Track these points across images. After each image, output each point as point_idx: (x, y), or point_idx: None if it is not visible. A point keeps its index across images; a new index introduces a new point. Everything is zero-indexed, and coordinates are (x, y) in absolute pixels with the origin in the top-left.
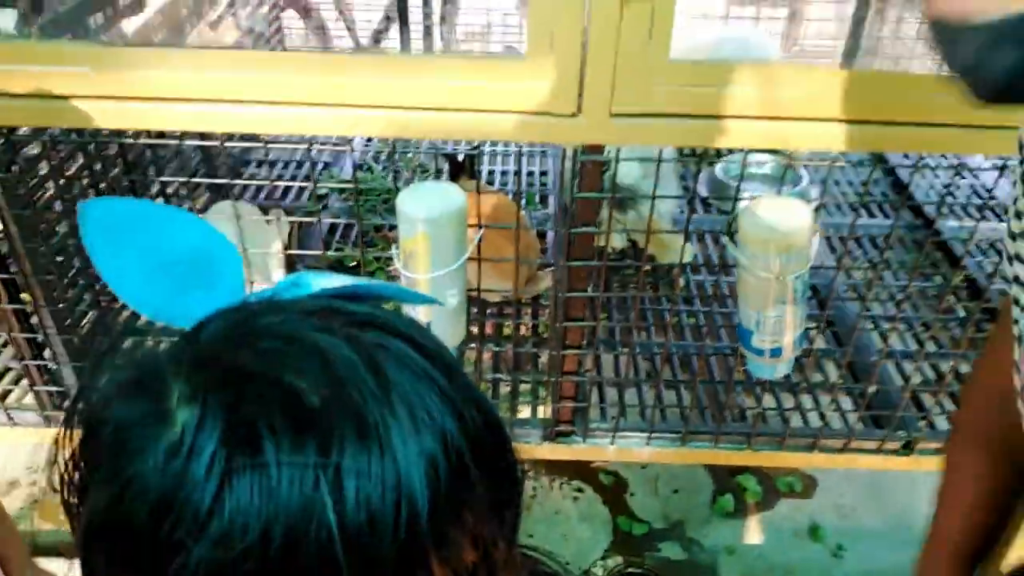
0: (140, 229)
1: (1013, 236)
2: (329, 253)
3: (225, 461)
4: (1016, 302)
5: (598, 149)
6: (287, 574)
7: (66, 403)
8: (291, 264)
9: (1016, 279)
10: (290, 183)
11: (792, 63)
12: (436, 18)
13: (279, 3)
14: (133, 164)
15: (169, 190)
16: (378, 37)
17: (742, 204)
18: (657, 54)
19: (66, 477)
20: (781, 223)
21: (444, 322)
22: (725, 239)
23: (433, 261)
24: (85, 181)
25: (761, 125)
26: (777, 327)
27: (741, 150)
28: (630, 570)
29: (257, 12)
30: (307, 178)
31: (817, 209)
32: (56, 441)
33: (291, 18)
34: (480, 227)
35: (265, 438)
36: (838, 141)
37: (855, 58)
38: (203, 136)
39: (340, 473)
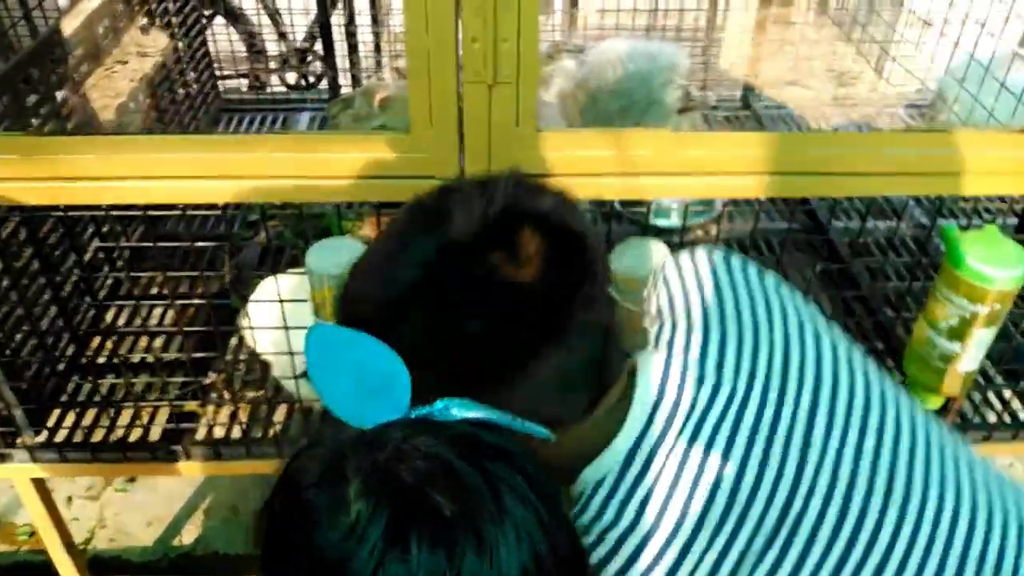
0: (344, 350)
1: None
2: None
3: (382, 550)
4: None
5: None
6: None
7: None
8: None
9: None
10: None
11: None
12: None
13: (204, 12)
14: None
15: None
16: (304, 56)
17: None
18: (525, 126)
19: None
20: (646, 264)
21: None
22: None
23: None
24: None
25: (620, 180)
26: None
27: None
28: None
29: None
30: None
31: (719, 219)
32: (262, 518)
33: (220, 24)
34: None
35: (412, 539)
36: (683, 190)
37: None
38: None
39: (460, 573)
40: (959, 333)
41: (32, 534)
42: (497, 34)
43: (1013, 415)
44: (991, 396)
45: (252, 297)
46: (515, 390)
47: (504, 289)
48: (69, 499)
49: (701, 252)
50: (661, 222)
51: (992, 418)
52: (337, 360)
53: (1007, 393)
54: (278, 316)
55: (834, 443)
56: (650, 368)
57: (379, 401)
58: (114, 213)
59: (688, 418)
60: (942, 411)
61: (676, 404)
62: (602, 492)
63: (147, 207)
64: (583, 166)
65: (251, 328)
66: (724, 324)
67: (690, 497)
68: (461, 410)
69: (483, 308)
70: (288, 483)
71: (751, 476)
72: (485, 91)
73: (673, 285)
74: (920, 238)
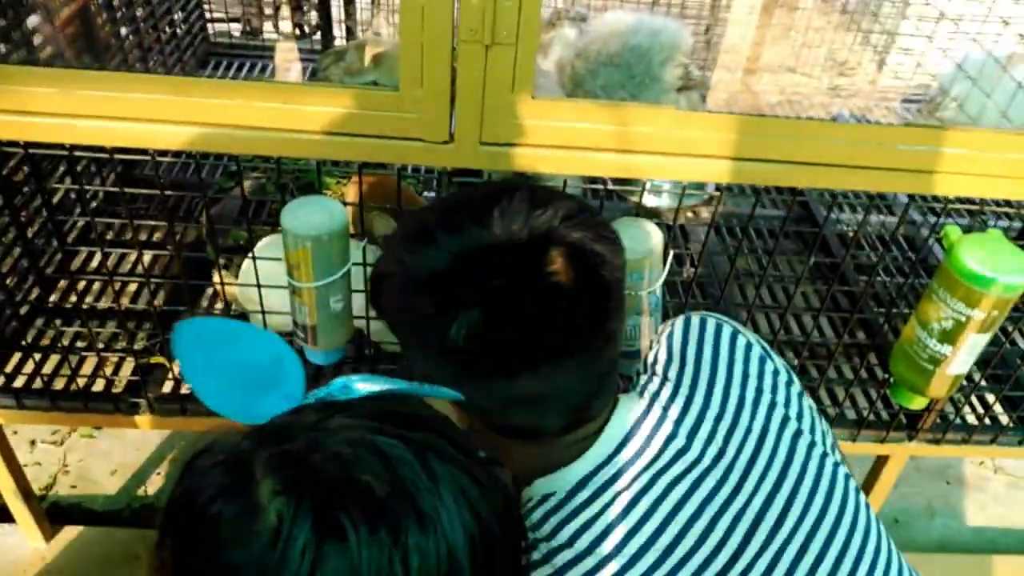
0: (222, 343)
1: None
2: (240, 231)
3: (316, 547)
4: None
5: (475, 173)
6: None
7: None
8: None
9: None
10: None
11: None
12: None
13: None
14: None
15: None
16: (299, 3)
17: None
18: (521, 92)
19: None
20: (635, 244)
21: (330, 326)
22: None
23: (316, 272)
24: None
25: (617, 157)
26: (633, 334)
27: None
28: None
29: None
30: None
31: (710, 201)
32: (157, 542)
33: None
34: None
35: (348, 527)
36: (685, 173)
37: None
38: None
39: (407, 551)
40: (951, 336)
41: None
42: None
43: (994, 419)
44: (973, 399)
45: (257, 251)
46: (497, 392)
47: (525, 297)
48: (32, 443)
49: (710, 321)
50: (651, 201)
51: (972, 420)
52: (216, 355)
53: (990, 397)
54: (278, 273)
55: (779, 538)
56: (628, 411)
57: (270, 392)
58: (78, 154)
59: (648, 467)
60: (924, 411)
61: (640, 451)
62: (547, 505)
63: (113, 150)
64: (579, 139)
65: (243, 284)
66: (710, 396)
67: (628, 538)
68: (363, 384)
69: (500, 308)
70: (186, 502)
71: (692, 540)
72: (481, 52)
73: (674, 344)
74: (911, 236)
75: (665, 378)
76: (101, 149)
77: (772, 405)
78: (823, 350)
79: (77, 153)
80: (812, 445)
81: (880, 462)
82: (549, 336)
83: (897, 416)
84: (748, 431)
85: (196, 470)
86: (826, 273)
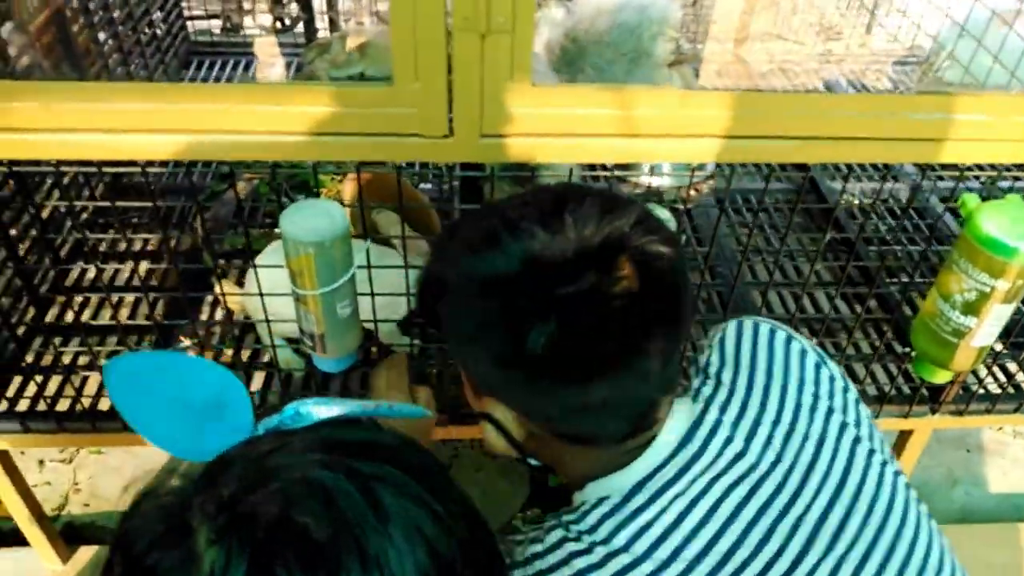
0: (159, 378)
1: None
2: (236, 237)
3: None
4: None
5: (477, 165)
6: None
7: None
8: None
9: None
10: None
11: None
12: None
13: None
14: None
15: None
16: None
17: None
18: (519, 80)
19: None
20: None
21: (338, 332)
22: None
23: (320, 279)
24: None
25: (620, 142)
26: None
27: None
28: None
29: None
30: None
31: (711, 177)
32: None
33: None
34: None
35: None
36: (691, 154)
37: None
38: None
39: None
40: (974, 308)
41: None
42: None
43: (1017, 387)
44: (995, 369)
45: (258, 260)
46: (566, 400)
47: (601, 305)
48: (41, 462)
49: (763, 325)
50: (654, 182)
51: (996, 390)
52: (153, 391)
53: (1012, 366)
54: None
55: (841, 545)
56: (683, 415)
57: (216, 426)
58: (64, 169)
59: (705, 472)
60: (946, 384)
61: (697, 455)
62: (602, 508)
63: (102, 163)
64: (582, 126)
65: (246, 294)
66: (766, 401)
67: (686, 542)
68: (318, 408)
69: (577, 317)
70: (124, 550)
71: (751, 545)
72: (477, 41)
73: (727, 349)
74: (920, 204)
75: (719, 382)
76: (89, 162)
77: (829, 411)
78: (838, 325)
79: (64, 168)
80: (871, 452)
81: (903, 437)
82: (624, 344)
83: (919, 390)
84: (806, 437)
85: (137, 515)
86: (836, 247)
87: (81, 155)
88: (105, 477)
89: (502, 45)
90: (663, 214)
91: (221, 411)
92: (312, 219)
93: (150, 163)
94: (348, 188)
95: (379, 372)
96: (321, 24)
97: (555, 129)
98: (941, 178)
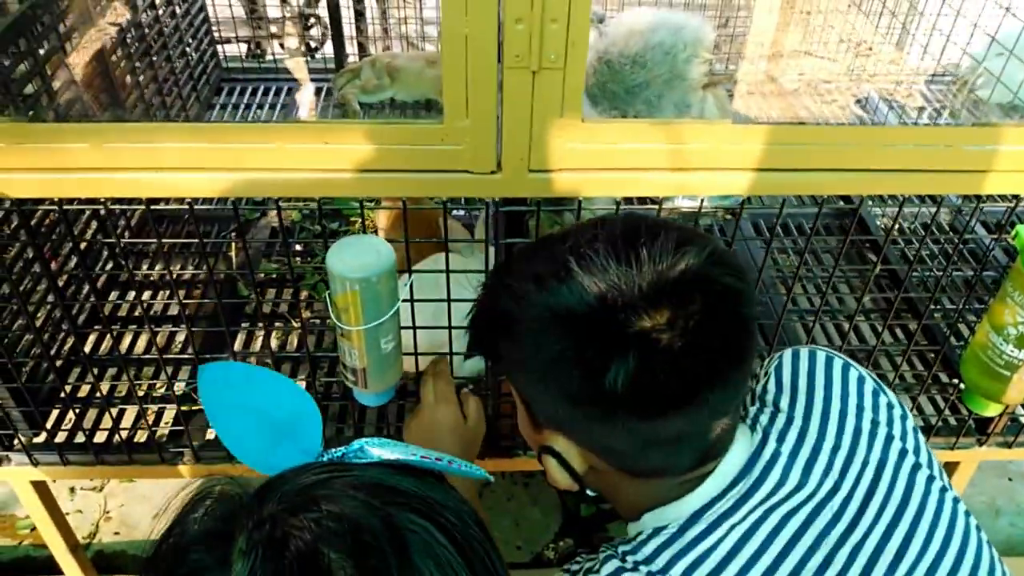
0: (246, 390)
1: None
2: (271, 265)
3: None
4: None
5: (520, 200)
6: None
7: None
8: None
9: None
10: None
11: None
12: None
13: None
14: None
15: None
16: (307, 24)
17: None
18: (570, 116)
19: None
20: None
21: (381, 367)
22: None
23: (366, 315)
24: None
25: (672, 176)
26: None
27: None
28: (580, 551)
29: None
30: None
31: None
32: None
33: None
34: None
35: None
36: (740, 188)
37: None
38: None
39: None
40: None
41: (34, 528)
42: (545, 13)
43: None
44: None
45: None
46: (640, 434)
47: (679, 341)
48: (72, 490)
49: (819, 353)
50: (687, 204)
51: None
52: (238, 400)
53: None
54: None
55: (900, 573)
56: (742, 445)
57: (287, 444)
58: (112, 207)
59: (764, 502)
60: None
61: (756, 485)
62: (659, 539)
63: (148, 200)
64: (631, 160)
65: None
66: (824, 428)
67: (743, 572)
68: (379, 450)
69: (656, 353)
70: (177, 537)
71: (809, 574)
72: (528, 78)
73: (783, 376)
74: (956, 225)
75: (777, 409)
76: (132, 200)
77: (889, 438)
78: (882, 354)
79: (111, 206)
80: (931, 479)
81: (949, 468)
82: (699, 378)
83: (966, 421)
84: (865, 463)
85: (191, 513)
86: (878, 276)
87: (130, 193)
88: (135, 505)
89: (553, 82)
90: None
91: (295, 431)
92: (359, 256)
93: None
94: (382, 217)
95: (426, 384)
96: (350, 48)
97: (603, 164)
98: (984, 202)
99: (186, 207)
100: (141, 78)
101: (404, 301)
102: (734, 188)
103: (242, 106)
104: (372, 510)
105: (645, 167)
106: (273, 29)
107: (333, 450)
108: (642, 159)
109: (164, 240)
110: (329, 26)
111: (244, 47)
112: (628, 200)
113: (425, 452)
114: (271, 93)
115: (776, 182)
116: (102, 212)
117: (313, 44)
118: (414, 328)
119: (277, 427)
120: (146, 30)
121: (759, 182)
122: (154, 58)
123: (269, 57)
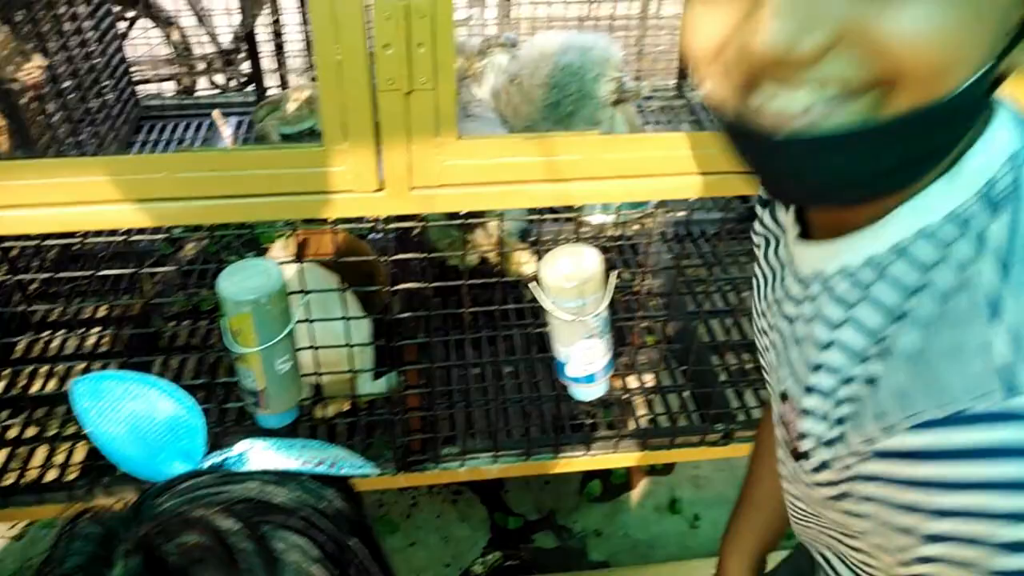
0: (119, 396)
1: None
2: (181, 298)
3: None
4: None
5: (409, 216)
6: None
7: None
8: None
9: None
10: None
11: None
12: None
13: (124, 15)
14: None
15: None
16: (229, 59)
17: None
18: (445, 134)
19: None
20: (576, 272)
21: (279, 388)
22: (532, 285)
23: (259, 336)
24: None
25: (546, 187)
26: (586, 358)
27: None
28: (507, 564)
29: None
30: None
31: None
32: None
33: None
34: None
35: None
36: (616, 195)
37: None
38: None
39: None
40: None
41: None
42: (411, 38)
43: None
44: None
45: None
46: None
47: None
48: None
49: None
50: (598, 219)
51: None
52: (114, 409)
53: None
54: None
55: None
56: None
57: (169, 450)
58: (9, 244)
59: None
60: None
61: None
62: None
63: (46, 236)
64: (510, 173)
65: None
66: None
67: None
68: (262, 456)
69: None
70: (55, 564)
71: None
72: (402, 100)
73: None
74: None
75: None
76: (28, 236)
77: None
78: None
79: (9, 244)
80: None
81: None
82: None
83: None
84: None
85: (71, 535)
86: None
87: (30, 230)
88: None
89: (426, 103)
90: (585, 252)
91: (176, 436)
92: (249, 278)
93: (96, 233)
94: (292, 245)
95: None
96: (272, 82)
97: (483, 178)
98: None
99: (98, 245)
100: (54, 120)
101: (299, 322)
102: (611, 196)
103: (162, 142)
104: (246, 532)
105: (523, 180)
106: (201, 66)
107: (215, 455)
108: (519, 172)
109: (61, 275)
110: (250, 61)
111: (170, 85)
112: (540, 211)
113: (309, 456)
114: (191, 129)
115: (651, 188)
116: (13, 254)
117: (239, 80)
118: (314, 348)
119: (157, 433)
120: (59, 70)
121: (636, 188)
122: (67, 98)
123: (199, 92)
